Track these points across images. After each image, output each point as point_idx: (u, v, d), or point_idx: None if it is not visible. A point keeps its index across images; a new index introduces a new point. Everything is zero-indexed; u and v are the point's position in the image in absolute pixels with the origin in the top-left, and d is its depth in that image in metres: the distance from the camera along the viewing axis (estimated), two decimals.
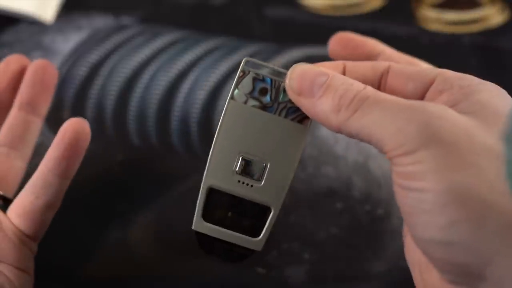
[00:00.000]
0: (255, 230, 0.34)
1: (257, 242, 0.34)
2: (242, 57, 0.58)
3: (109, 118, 0.53)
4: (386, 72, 0.34)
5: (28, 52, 0.59)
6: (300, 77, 0.32)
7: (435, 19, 0.61)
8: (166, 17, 0.62)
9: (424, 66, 0.36)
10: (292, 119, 0.33)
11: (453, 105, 0.30)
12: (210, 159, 0.34)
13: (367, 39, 0.39)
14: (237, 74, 0.34)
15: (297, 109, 0.33)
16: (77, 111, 0.53)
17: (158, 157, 0.50)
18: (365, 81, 0.32)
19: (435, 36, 0.60)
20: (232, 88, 0.34)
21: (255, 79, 0.34)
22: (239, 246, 0.34)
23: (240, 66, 0.34)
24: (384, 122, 0.29)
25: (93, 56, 0.57)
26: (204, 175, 0.34)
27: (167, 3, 0.64)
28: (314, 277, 0.42)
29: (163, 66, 0.56)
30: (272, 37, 0.60)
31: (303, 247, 0.43)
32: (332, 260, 0.42)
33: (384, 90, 0.33)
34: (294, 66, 0.33)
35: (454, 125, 0.28)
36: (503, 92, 0.32)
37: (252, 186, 0.33)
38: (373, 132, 0.29)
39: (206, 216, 0.34)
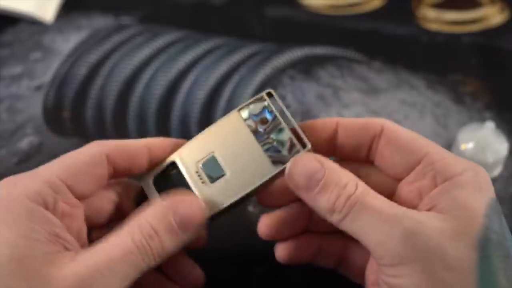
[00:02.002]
0: None
1: None
2: (242, 57, 0.58)
3: (109, 118, 0.53)
4: (378, 137, 0.36)
5: (28, 52, 0.59)
6: (299, 172, 0.34)
7: (435, 19, 0.61)
8: (166, 17, 0.62)
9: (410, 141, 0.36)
10: (269, 156, 0.35)
11: (432, 206, 0.32)
12: (190, 141, 0.37)
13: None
14: (256, 96, 0.36)
15: (277, 151, 0.35)
16: (77, 111, 0.53)
17: None
18: (357, 144, 0.36)
19: (435, 36, 0.60)
20: (244, 103, 0.36)
21: (264, 108, 0.36)
22: None
23: (263, 92, 0.36)
24: (369, 232, 0.32)
25: (93, 56, 0.57)
26: (177, 150, 0.37)
27: (167, 3, 0.64)
28: (314, 277, 0.42)
29: (163, 66, 0.56)
30: (272, 37, 0.60)
31: None
32: None
33: (375, 155, 0.36)
34: (294, 160, 0.34)
35: (429, 240, 0.31)
36: (483, 183, 0.33)
37: (202, 182, 0.36)
38: (361, 238, 0.32)
39: (157, 181, 0.37)
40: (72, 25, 0.61)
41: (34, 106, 0.54)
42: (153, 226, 0.32)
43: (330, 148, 0.36)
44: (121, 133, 0.52)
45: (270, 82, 0.55)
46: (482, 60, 0.57)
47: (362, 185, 0.33)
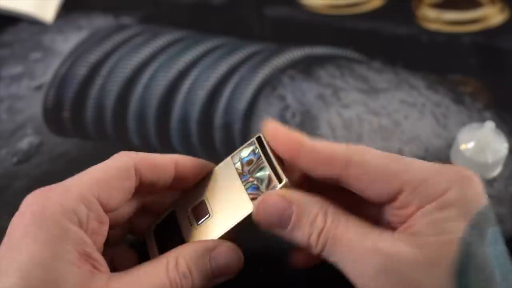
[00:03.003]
0: None
1: None
2: (242, 57, 0.58)
3: (109, 118, 0.53)
4: (345, 172, 0.33)
5: (28, 52, 0.59)
6: (266, 213, 0.34)
7: (435, 19, 0.61)
8: (166, 17, 0.62)
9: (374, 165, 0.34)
10: (249, 194, 0.36)
11: (409, 226, 0.32)
12: (189, 190, 0.38)
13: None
14: (247, 142, 0.37)
15: (257, 188, 0.36)
16: (77, 111, 0.53)
17: None
18: (326, 177, 0.34)
19: (435, 35, 0.60)
20: (237, 150, 0.38)
21: (252, 151, 0.37)
22: None
23: (253, 137, 0.37)
24: (346, 266, 0.32)
25: (93, 56, 0.57)
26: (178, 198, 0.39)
27: (167, 3, 0.64)
28: (314, 277, 0.42)
29: (163, 66, 0.56)
30: (272, 37, 0.60)
31: None
32: None
33: (348, 186, 0.34)
34: (261, 199, 0.34)
35: (402, 274, 0.30)
36: (468, 197, 0.32)
37: (191, 225, 0.37)
38: (342, 270, 0.32)
39: (156, 230, 0.39)
40: (72, 25, 0.61)
41: (34, 106, 0.54)
42: (189, 266, 0.33)
43: (305, 180, 0.36)
44: (121, 133, 0.52)
45: (270, 82, 0.55)
46: (482, 60, 0.57)
47: (332, 214, 0.33)
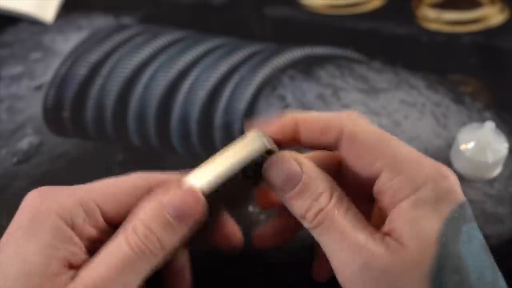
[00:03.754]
0: None
1: None
2: (242, 57, 0.58)
3: (109, 118, 0.53)
4: (339, 138, 0.34)
5: (28, 52, 0.59)
6: (277, 171, 0.33)
7: (435, 19, 0.61)
8: (166, 17, 0.62)
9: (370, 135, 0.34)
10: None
11: (391, 230, 0.32)
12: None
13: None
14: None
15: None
16: (77, 111, 0.53)
17: (158, 157, 0.50)
18: (322, 146, 0.34)
19: (435, 35, 0.60)
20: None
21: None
22: None
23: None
24: (333, 252, 0.32)
25: (93, 56, 0.57)
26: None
27: (167, 3, 0.64)
28: (314, 277, 0.42)
29: (163, 66, 0.56)
30: (272, 37, 0.60)
31: (303, 247, 0.43)
32: None
33: (342, 157, 0.34)
34: (273, 158, 0.33)
35: (382, 276, 0.31)
36: (443, 194, 0.32)
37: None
38: (326, 253, 0.33)
39: None
40: (72, 25, 0.61)
41: (34, 106, 0.54)
42: (147, 225, 0.31)
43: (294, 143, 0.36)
44: (121, 133, 0.52)
45: (270, 82, 0.55)
46: (482, 60, 0.57)
47: (336, 197, 0.33)
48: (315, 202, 0.32)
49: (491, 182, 0.48)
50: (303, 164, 0.33)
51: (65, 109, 0.54)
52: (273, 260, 0.43)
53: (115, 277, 0.30)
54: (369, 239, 0.31)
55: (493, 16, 0.61)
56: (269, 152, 0.34)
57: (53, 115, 0.53)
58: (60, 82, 0.56)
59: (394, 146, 0.33)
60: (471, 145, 0.47)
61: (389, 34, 0.60)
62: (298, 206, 0.33)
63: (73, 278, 0.31)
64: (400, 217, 0.32)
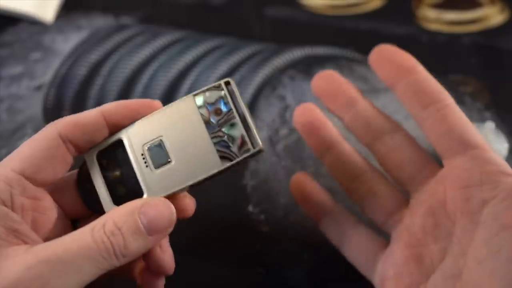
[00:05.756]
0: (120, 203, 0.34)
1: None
2: (242, 57, 0.58)
3: None
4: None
5: (28, 52, 0.59)
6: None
7: (435, 19, 0.61)
8: (166, 17, 0.62)
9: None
10: (217, 150, 0.34)
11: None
12: (139, 120, 0.35)
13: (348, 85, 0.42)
14: (213, 84, 0.35)
15: (227, 146, 0.34)
16: (77, 111, 0.53)
17: None
18: None
19: (435, 36, 0.60)
20: (200, 90, 0.35)
21: (220, 98, 0.35)
22: None
23: (221, 81, 0.35)
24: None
25: (93, 56, 0.57)
26: (126, 128, 0.35)
27: (167, 3, 0.64)
28: (314, 278, 0.42)
29: (163, 66, 0.56)
30: (272, 37, 0.60)
31: (303, 247, 0.43)
32: (332, 261, 0.42)
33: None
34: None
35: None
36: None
37: (146, 166, 0.34)
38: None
39: (100, 157, 0.35)
40: (72, 25, 0.61)
41: (34, 106, 0.54)
42: (117, 224, 0.31)
43: None
44: None
45: (270, 82, 0.55)
46: (482, 60, 0.57)
47: None
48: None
49: None
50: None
51: (65, 109, 0.54)
52: (273, 260, 0.43)
53: (68, 259, 0.30)
54: None
55: (493, 16, 0.61)
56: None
57: (53, 115, 0.53)
58: (60, 82, 0.56)
59: None
60: None
61: (389, 34, 0.60)
62: None
63: (25, 251, 0.30)
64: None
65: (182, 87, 0.55)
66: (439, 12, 0.61)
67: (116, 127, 0.35)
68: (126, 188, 0.35)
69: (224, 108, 0.34)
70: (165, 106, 0.35)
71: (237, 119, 0.34)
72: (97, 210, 0.35)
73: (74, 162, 0.35)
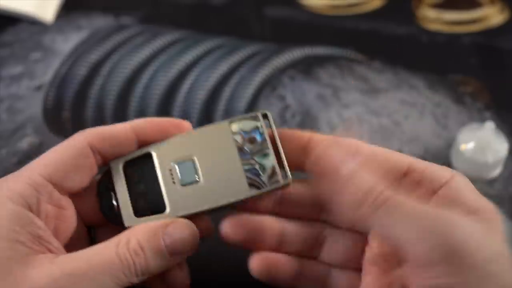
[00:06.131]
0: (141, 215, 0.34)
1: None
2: (242, 57, 0.58)
3: (109, 118, 0.53)
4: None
5: (28, 52, 0.59)
6: (333, 156, 0.33)
7: (435, 19, 0.61)
8: (166, 17, 0.62)
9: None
10: (247, 177, 0.34)
11: (448, 204, 0.32)
12: (172, 138, 0.35)
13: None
14: (251, 113, 0.36)
15: (257, 175, 0.34)
16: (77, 111, 0.53)
17: None
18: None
19: (435, 36, 0.60)
20: (237, 117, 0.36)
21: (256, 128, 0.35)
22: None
23: (259, 112, 0.36)
24: (404, 228, 0.30)
25: (93, 56, 0.57)
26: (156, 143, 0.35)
27: (167, 3, 0.64)
28: None
29: (163, 66, 0.56)
30: (272, 37, 0.60)
31: None
32: None
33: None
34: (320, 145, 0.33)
35: (465, 238, 0.29)
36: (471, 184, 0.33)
37: (173, 182, 0.35)
38: (393, 235, 0.31)
39: (127, 167, 0.35)
40: (72, 25, 0.61)
41: (34, 106, 0.54)
42: (140, 243, 0.32)
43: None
44: None
45: (270, 82, 0.55)
46: (482, 60, 0.57)
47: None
48: (374, 184, 0.31)
49: (491, 182, 0.48)
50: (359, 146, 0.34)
51: (65, 109, 0.54)
52: None
53: (91, 274, 0.30)
54: (439, 211, 0.31)
55: (493, 16, 0.61)
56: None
57: (53, 115, 0.53)
58: (60, 82, 0.56)
59: (406, 155, 0.34)
60: (471, 145, 0.47)
61: (389, 34, 0.60)
62: (353, 191, 0.31)
63: (51, 261, 0.31)
64: (455, 199, 0.32)
65: (182, 87, 0.55)
66: (439, 12, 0.61)
67: (145, 142, 0.36)
68: (149, 202, 0.35)
69: (258, 138, 0.35)
70: (199, 128, 0.36)
71: (270, 150, 0.34)
72: (114, 221, 0.35)
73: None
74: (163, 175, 0.35)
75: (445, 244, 0.29)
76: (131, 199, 0.35)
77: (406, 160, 0.33)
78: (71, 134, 0.51)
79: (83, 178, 0.34)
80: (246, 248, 0.36)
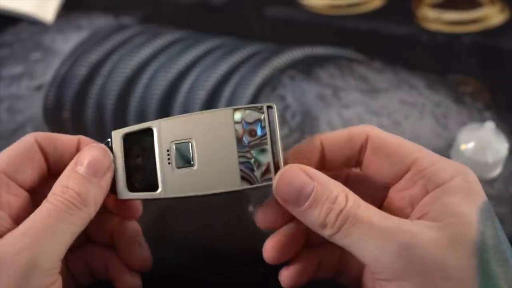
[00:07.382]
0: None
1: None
2: (242, 57, 0.58)
3: (109, 118, 0.53)
4: (364, 146, 0.35)
5: (28, 52, 0.59)
6: (287, 186, 0.33)
7: (435, 19, 0.61)
8: (166, 17, 0.62)
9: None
10: (240, 170, 0.34)
11: (423, 215, 0.32)
12: (175, 117, 0.35)
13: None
14: (255, 104, 0.35)
15: (251, 169, 0.34)
16: (77, 111, 0.53)
17: None
18: (345, 157, 0.35)
19: (435, 36, 0.60)
20: (242, 106, 0.35)
21: (258, 120, 0.35)
22: None
23: (264, 104, 0.35)
24: (363, 247, 0.31)
25: (93, 56, 0.57)
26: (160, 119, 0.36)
27: (167, 3, 0.64)
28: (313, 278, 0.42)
29: (163, 66, 0.56)
30: (272, 37, 0.60)
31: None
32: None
33: (363, 163, 0.35)
34: (281, 172, 0.33)
35: (426, 253, 0.30)
36: (473, 187, 0.32)
37: (169, 163, 0.35)
38: (355, 253, 0.32)
39: (126, 138, 0.36)
40: (72, 25, 0.61)
41: (34, 106, 0.54)
42: (63, 185, 0.33)
43: (321, 167, 0.35)
44: None
45: (270, 82, 0.55)
46: (482, 60, 0.57)
47: (352, 197, 0.32)
48: (333, 205, 0.32)
49: (491, 182, 0.48)
50: (313, 174, 0.33)
51: (65, 109, 0.54)
52: None
53: (45, 226, 0.32)
54: (402, 223, 0.31)
55: (493, 16, 0.61)
56: None
57: (53, 115, 0.53)
58: (60, 82, 0.56)
59: (419, 146, 0.34)
60: (471, 145, 0.47)
61: (389, 34, 0.60)
62: (315, 215, 0.32)
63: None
64: (436, 202, 0.32)
65: (182, 87, 0.55)
66: (439, 12, 0.61)
67: None
68: (143, 178, 0.35)
69: (259, 132, 0.34)
70: (203, 111, 0.35)
71: (269, 146, 0.34)
72: (111, 189, 0.35)
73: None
74: (160, 154, 0.35)
75: (400, 262, 0.30)
76: (126, 172, 0.35)
77: (413, 154, 0.34)
78: (71, 134, 0.51)
79: (34, 171, 0.36)
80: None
